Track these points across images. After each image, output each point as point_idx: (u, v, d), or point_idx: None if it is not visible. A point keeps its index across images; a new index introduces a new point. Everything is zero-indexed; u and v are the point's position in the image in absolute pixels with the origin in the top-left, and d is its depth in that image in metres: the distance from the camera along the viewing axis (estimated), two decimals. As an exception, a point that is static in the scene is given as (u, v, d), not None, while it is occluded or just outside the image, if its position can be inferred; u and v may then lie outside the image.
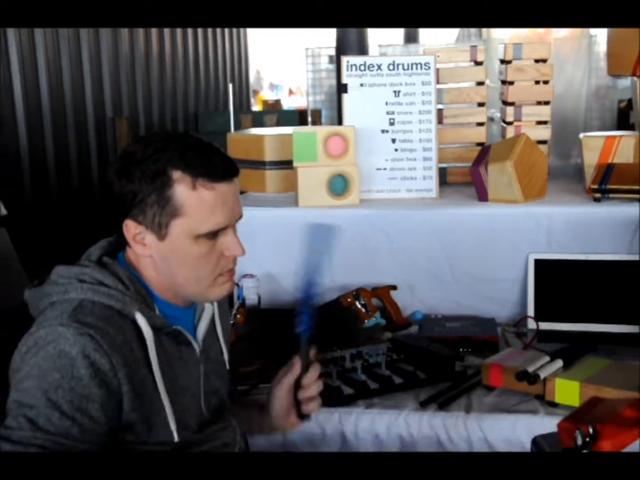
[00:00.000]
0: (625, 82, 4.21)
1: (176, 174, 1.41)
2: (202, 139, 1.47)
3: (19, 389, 1.35)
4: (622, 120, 4.53)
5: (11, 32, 5.05)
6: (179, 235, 1.43)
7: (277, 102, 10.36)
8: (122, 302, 1.42)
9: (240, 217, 1.52)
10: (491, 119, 3.06)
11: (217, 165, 1.44)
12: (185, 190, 1.41)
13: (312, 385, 1.64)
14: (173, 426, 1.47)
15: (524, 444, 1.85)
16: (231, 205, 1.47)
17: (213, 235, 1.45)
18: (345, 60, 2.66)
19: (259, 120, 6.95)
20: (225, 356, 1.70)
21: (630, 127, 3.97)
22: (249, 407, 1.82)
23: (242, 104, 9.74)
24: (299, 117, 7.49)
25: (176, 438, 1.48)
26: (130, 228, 1.44)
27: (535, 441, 1.40)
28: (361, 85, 2.65)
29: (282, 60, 14.34)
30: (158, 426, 1.46)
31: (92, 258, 1.50)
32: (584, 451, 1.26)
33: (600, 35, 4.03)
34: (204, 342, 1.60)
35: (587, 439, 1.24)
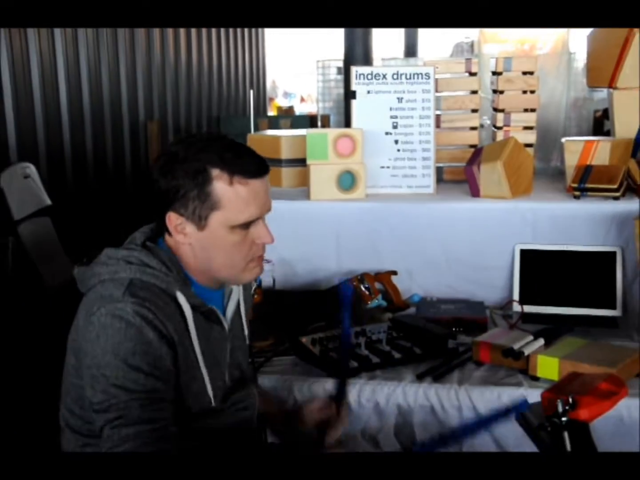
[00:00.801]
0: (601, 94, 4.20)
1: (215, 172, 1.41)
2: (236, 141, 1.48)
3: (101, 365, 1.35)
4: (597, 128, 4.52)
5: (58, 43, 5.07)
6: (216, 226, 1.43)
7: (291, 108, 10.33)
8: (166, 282, 1.43)
9: (270, 209, 1.51)
10: (482, 126, 3.05)
11: (250, 164, 1.44)
12: (223, 186, 1.41)
13: (336, 432, 1.66)
14: (210, 393, 1.49)
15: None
16: (263, 199, 1.46)
17: (246, 225, 1.45)
18: (354, 70, 2.65)
19: (274, 123, 6.94)
20: (246, 332, 1.70)
21: (605, 134, 3.96)
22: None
23: (259, 109, 9.75)
24: (310, 122, 7.46)
25: (213, 403, 1.50)
26: (173, 219, 1.44)
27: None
28: (368, 92, 2.64)
29: (295, 71, 14.33)
30: (196, 389, 1.47)
31: (137, 242, 1.50)
32: (563, 418, 1.26)
33: (579, 52, 4.02)
34: (231, 321, 1.61)
35: (567, 407, 1.25)
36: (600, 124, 4.49)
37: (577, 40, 3.76)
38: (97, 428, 1.36)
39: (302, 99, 14.46)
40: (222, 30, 8.26)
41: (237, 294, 1.63)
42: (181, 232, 1.45)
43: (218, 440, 1.53)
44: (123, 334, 1.34)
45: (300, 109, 12.20)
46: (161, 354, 1.37)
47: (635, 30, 2.63)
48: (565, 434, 1.25)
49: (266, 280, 2.52)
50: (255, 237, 1.47)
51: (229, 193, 1.41)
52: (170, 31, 6.86)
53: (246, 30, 9.20)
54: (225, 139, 1.47)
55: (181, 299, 1.44)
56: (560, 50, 3.51)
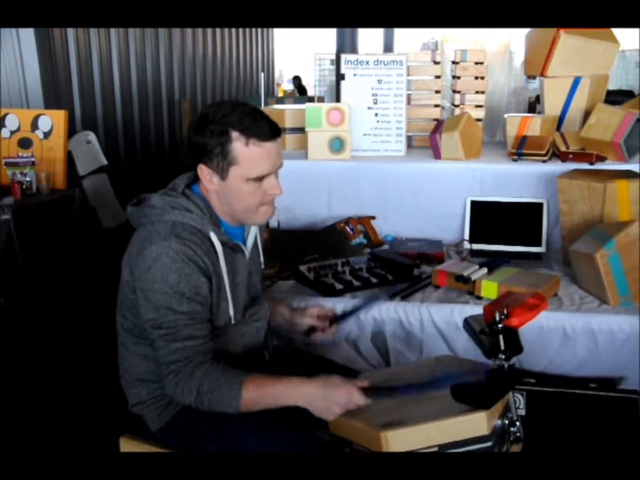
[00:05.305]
0: (534, 85, 4.16)
1: (235, 134, 1.36)
2: (256, 108, 1.42)
3: (153, 290, 1.34)
4: (531, 110, 4.51)
5: (113, 37, 4.99)
6: (234, 178, 1.40)
7: (293, 91, 10.17)
8: (201, 224, 1.41)
9: (281, 166, 1.46)
10: (443, 107, 3.00)
11: (264, 129, 1.38)
12: (240, 146, 1.37)
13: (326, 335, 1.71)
14: (232, 310, 1.48)
15: (458, 324, 1.88)
16: (274, 158, 1.41)
17: (260, 179, 1.41)
18: (344, 57, 2.59)
19: (280, 103, 6.85)
20: (262, 259, 1.69)
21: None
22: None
23: (269, 92, 9.60)
24: (309, 102, 7.36)
25: (233, 320, 1.49)
26: (203, 170, 1.41)
27: (466, 320, 1.42)
28: (354, 75, 2.59)
29: (297, 62, 14.07)
30: (223, 308, 1.47)
31: (178, 189, 1.47)
32: (499, 325, 1.27)
33: (518, 52, 3.98)
34: (250, 251, 1.59)
35: (502, 317, 1.26)
36: (533, 107, 4.47)
37: (517, 43, 3.71)
38: (150, 339, 1.37)
39: (303, 85, 14.18)
40: (240, 28, 8.09)
41: (254, 230, 1.61)
42: (209, 181, 1.42)
43: (236, 344, 1.54)
44: (169, 267, 1.33)
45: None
46: (199, 283, 1.36)
47: (561, 31, 2.58)
48: (500, 337, 1.27)
49: (272, 222, 2.51)
50: (267, 188, 1.43)
51: (245, 152, 1.37)
52: (199, 28, 6.72)
53: (259, 28, 9.00)
54: (247, 107, 1.41)
55: (213, 237, 1.42)
56: (503, 50, 3.48)
